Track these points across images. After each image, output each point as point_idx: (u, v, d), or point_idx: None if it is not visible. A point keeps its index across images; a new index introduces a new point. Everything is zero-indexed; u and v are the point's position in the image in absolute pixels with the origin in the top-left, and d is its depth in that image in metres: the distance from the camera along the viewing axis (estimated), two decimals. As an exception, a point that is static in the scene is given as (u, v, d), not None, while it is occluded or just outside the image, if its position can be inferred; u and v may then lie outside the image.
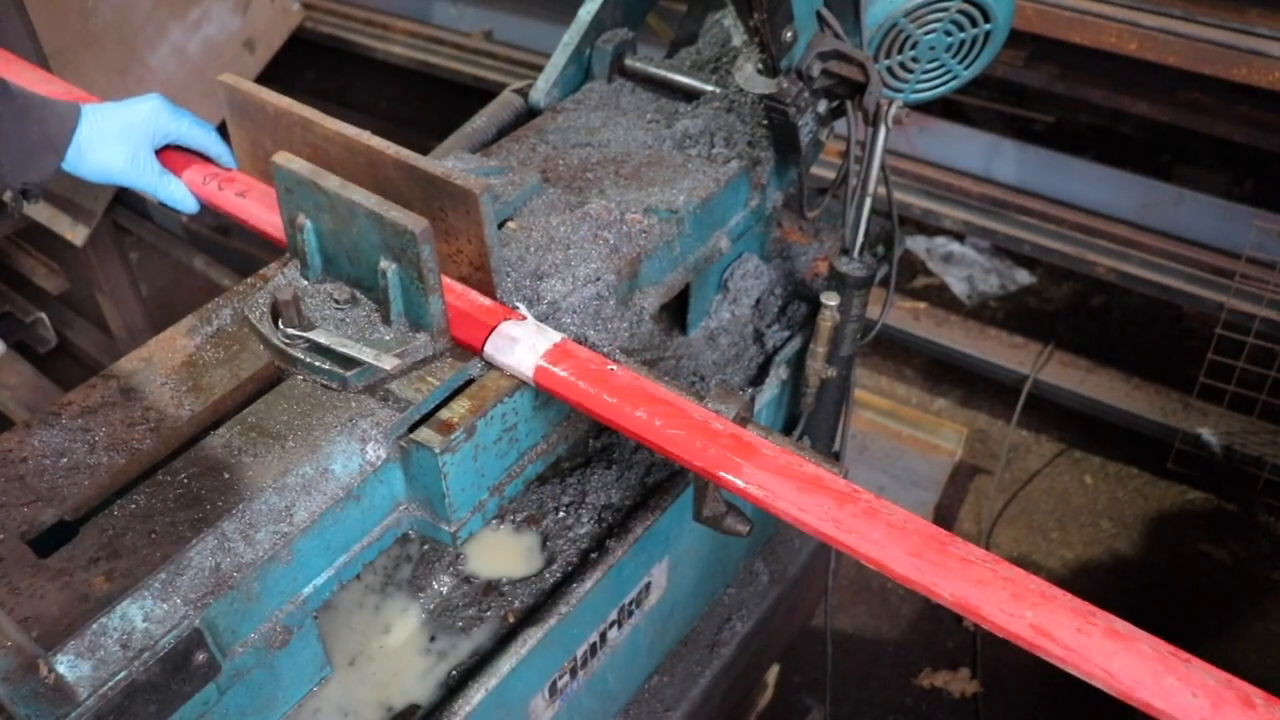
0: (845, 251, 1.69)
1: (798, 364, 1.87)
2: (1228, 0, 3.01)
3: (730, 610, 2.12)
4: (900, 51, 1.68)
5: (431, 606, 1.56)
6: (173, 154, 1.46)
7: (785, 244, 1.98)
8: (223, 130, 1.48)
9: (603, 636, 1.67)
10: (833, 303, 1.68)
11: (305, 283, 1.33)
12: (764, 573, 2.20)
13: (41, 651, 0.98)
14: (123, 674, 1.01)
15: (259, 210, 1.42)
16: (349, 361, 1.23)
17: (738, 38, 1.85)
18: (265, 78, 4.53)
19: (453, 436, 1.21)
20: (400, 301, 1.26)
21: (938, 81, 1.73)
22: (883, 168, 1.73)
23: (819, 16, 1.58)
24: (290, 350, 1.25)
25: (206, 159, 1.46)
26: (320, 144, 1.34)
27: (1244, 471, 3.21)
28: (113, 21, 4.08)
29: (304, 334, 1.24)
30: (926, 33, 1.65)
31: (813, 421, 1.91)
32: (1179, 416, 3.35)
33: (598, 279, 1.45)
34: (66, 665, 0.98)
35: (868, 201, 1.63)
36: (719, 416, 1.19)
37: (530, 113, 1.87)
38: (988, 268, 4.21)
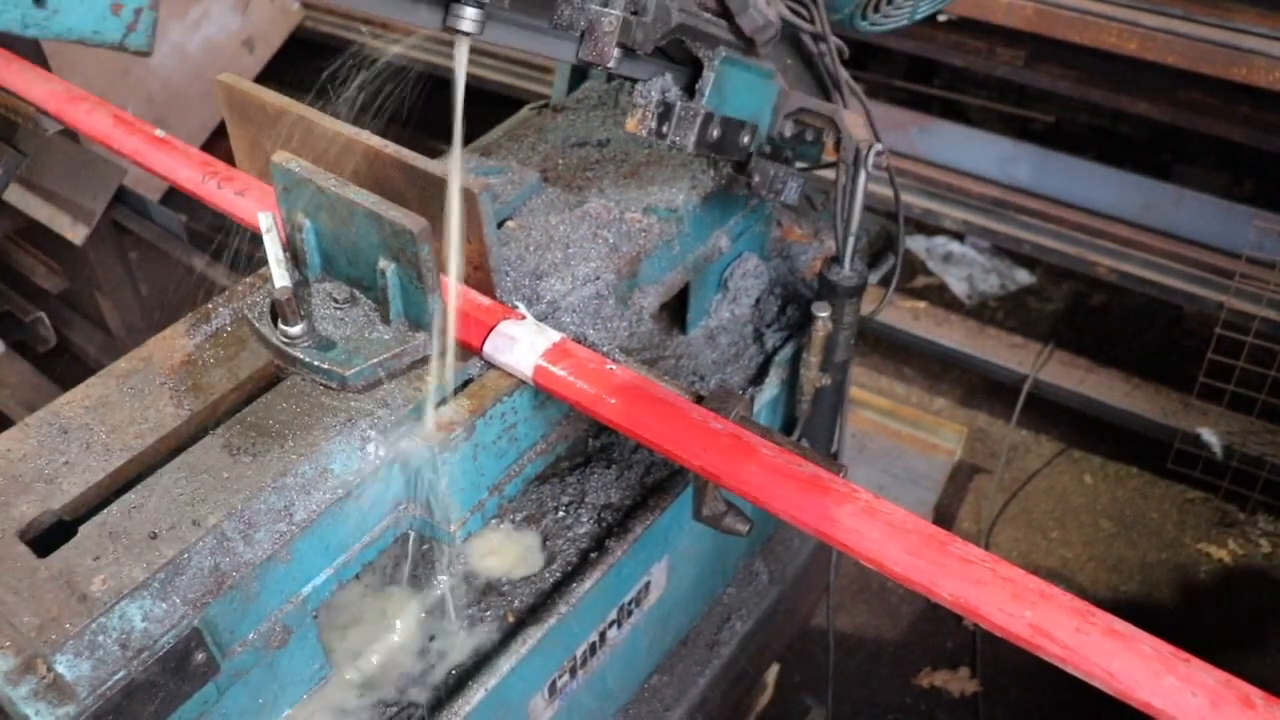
0: (836, 260, 1.69)
1: (795, 365, 1.86)
2: (1228, 0, 3.01)
3: (730, 610, 2.12)
4: None
5: (431, 606, 1.56)
6: None
7: (785, 243, 1.98)
8: (222, 130, 1.48)
9: (602, 636, 1.67)
10: (824, 313, 1.68)
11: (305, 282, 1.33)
12: (764, 573, 2.20)
13: (41, 651, 0.98)
14: (122, 674, 1.01)
15: (259, 210, 1.42)
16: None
17: None
18: (265, 77, 4.53)
19: (452, 436, 1.21)
20: (399, 301, 1.26)
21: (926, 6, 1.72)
22: (887, 169, 1.74)
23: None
24: (290, 350, 1.25)
25: None
26: (320, 143, 1.34)
27: (1244, 471, 3.21)
28: (112, 21, 4.08)
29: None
30: None
31: (810, 425, 1.91)
32: (1179, 416, 3.35)
33: (597, 278, 1.45)
34: (65, 665, 0.98)
35: (856, 215, 1.63)
36: (718, 416, 1.19)
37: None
38: (988, 267, 4.21)
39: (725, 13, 1.42)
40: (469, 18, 1.06)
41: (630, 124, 1.43)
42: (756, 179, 1.59)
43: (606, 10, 1.27)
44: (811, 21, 1.62)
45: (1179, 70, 3.04)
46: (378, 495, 1.25)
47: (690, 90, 1.47)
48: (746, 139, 1.57)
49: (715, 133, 1.50)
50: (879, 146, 1.53)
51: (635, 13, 1.31)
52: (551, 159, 1.69)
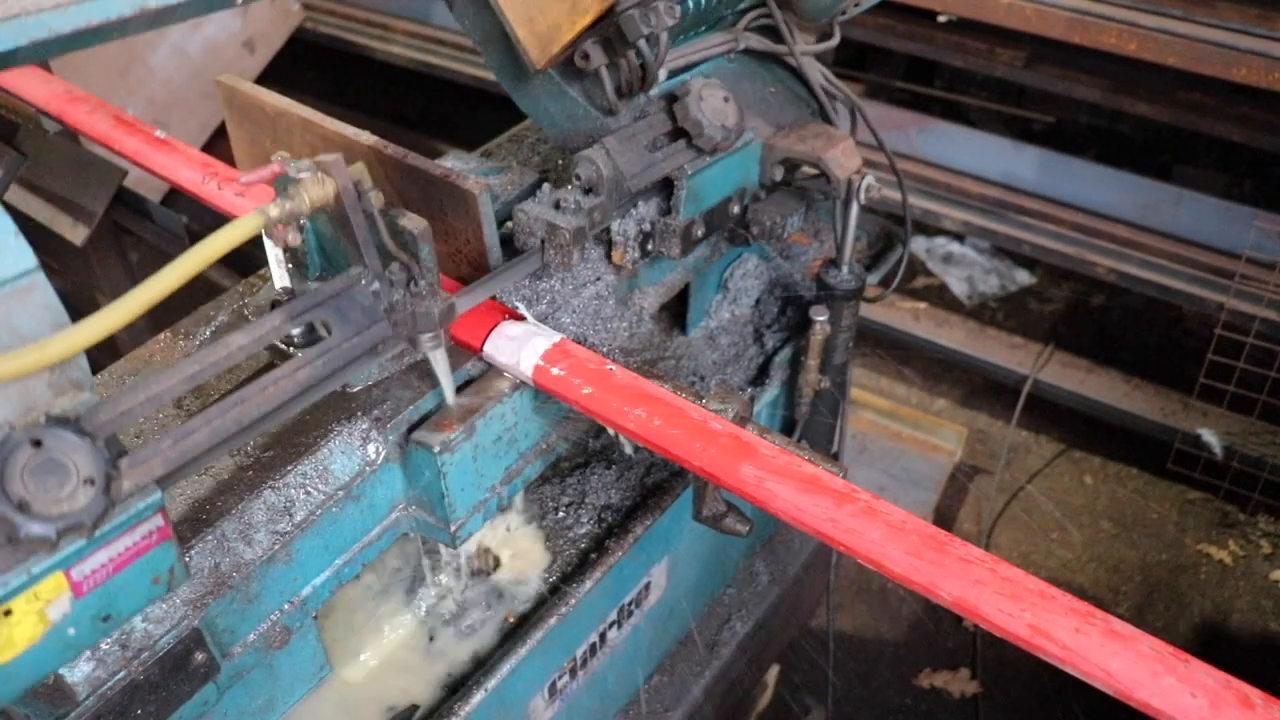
0: (833, 263, 1.70)
1: (795, 366, 1.86)
2: (1228, 0, 3.01)
3: (730, 610, 2.12)
4: None
5: (431, 606, 1.56)
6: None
7: (785, 244, 1.98)
8: (223, 131, 1.48)
9: (602, 636, 1.67)
10: (821, 317, 1.68)
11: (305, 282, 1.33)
12: (764, 573, 2.20)
13: (41, 651, 0.98)
14: (122, 674, 1.01)
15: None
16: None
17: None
18: (265, 78, 4.53)
19: (452, 436, 1.21)
20: (400, 301, 1.26)
21: None
22: (893, 168, 1.74)
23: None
24: (290, 350, 1.25)
25: None
26: (320, 144, 1.34)
27: (1244, 472, 3.21)
28: (113, 22, 4.08)
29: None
30: None
31: (810, 425, 1.91)
32: (1179, 416, 3.35)
33: (597, 279, 1.45)
34: (66, 665, 0.98)
35: (850, 236, 1.64)
36: (718, 416, 1.19)
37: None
38: (988, 268, 4.21)
39: (681, 133, 1.44)
40: (428, 341, 1.15)
41: (615, 257, 1.46)
42: (755, 230, 1.61)
43: (558, 224, 1.29)
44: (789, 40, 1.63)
45: (1179, 71, 3.04)
46: (377, 496, 1.25)
47: (666, 198, 1.48)
48: (736, 207, 1.59)
49: (700, 231, 1.53)
50: (870, 180, 1.55)
51: (588, 190, 1.34)
52: (552, 159, 1.69)
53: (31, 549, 0.81)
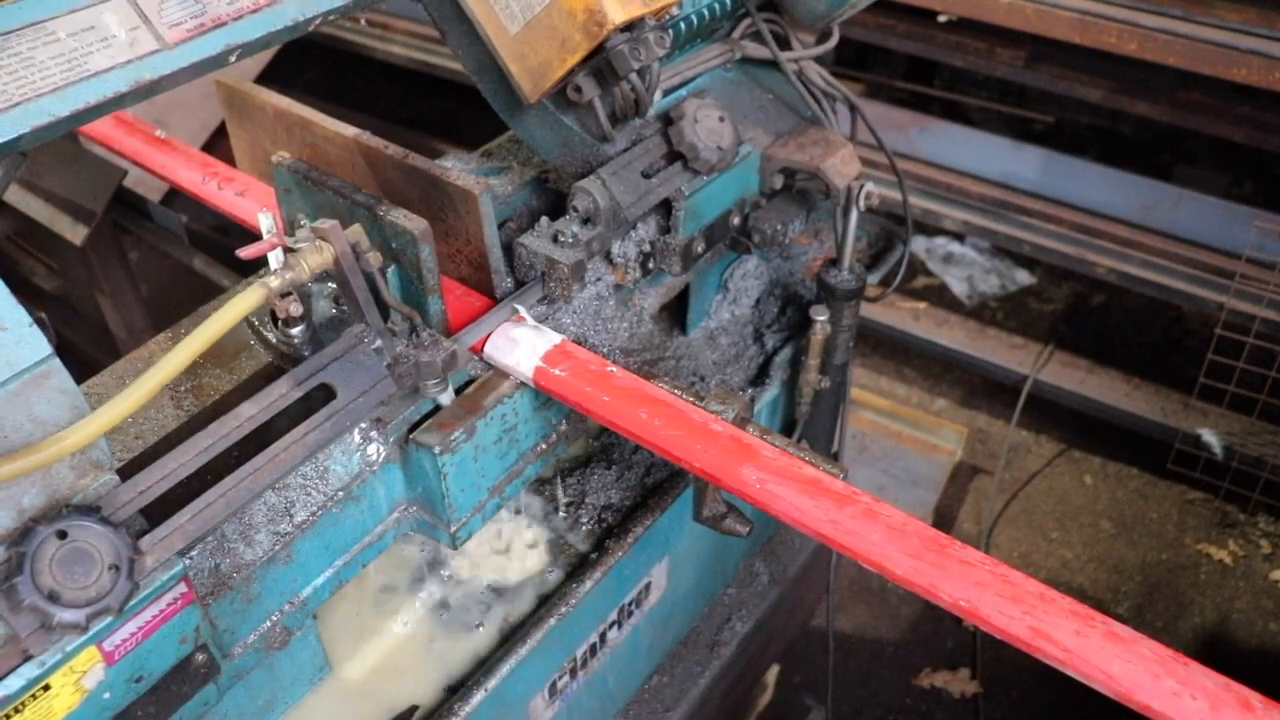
0: (834, 263, 1.70)
1: (796, 366, 1.86)
2: (1227, 0, 3.01)
3: (730, 610, 2.12)
4: None
5: (431, 607, 1.56)
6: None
7: (786, 245, 1.98)
8: (223, 131, 1.48)
9: (603, 637, 1.67)
10: (822, 317, 1.69)
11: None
12: (764, 573, 2.20)
13: (41, 652, 0.99)
14: (122, 675, 1.01)
15: (259, 210, 1.42)
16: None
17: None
18: (265, 78, 4.52)
19: (452, 437, 1.21)
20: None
21: None
22: (894, 168, 1.75)
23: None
24: (290, 351, 1.25)
25: None
26: (320, 144, 1.34)
27: (1244, 472, 3.21)
28: (113, 21, 4.07)
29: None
30: None
31: (810, 425, 1.91)
32: (1179, 417, 3.34)
33: (598, 279, 1.45)
34: (66, 666, 0.98)
35: (850, 240, 1.64)
36: (719, 418, 1.19)
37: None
38: (988, 268, 4.21)
39: (678, 154, 1.46)
40: (433, 387, 1.20)
41: (618, 277, 1.48)
42: (757, 239, 1.62)
43: (557, 260, 1.32)
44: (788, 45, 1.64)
45: (1179, 71, 3.04)
46: (378, 496, 1.25)
47: (665, 216, 1.50)
48: (737, 218, 1.60)
49: (700, 247, 1.54)
50: (869, 187, 1.56)
51: (587, 220, 1.36)
52: (552, 160, 1.68)
53: (63, 632, 0.86)
